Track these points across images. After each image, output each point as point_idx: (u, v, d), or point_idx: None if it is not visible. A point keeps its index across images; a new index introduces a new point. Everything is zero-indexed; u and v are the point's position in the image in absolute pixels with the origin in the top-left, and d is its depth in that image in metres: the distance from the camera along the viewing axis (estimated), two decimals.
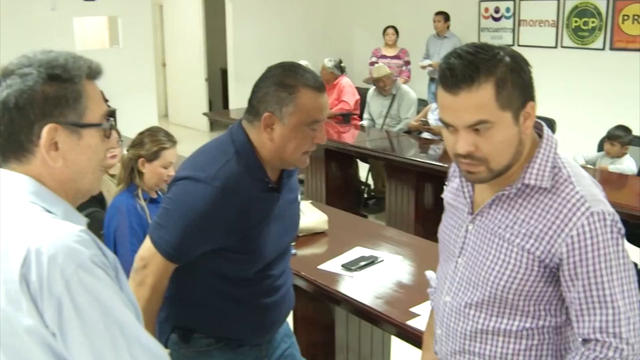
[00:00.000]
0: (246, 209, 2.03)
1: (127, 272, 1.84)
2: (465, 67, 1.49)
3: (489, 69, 1.50)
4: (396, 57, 8.47)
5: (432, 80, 8.28)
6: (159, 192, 3.21)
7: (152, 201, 3.14)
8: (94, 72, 1.40)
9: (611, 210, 1.57)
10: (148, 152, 3.09)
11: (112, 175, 3.80)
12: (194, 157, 2.14)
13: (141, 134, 3.19)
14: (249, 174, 2.04)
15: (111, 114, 1.52)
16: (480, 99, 1.49)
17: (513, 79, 1.52)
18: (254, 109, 2.07)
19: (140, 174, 3.12)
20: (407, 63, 8.52)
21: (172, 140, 3.23)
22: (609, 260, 1.55)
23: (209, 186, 1.97)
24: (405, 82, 8.14)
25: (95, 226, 3.31)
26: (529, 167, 1.60)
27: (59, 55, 1.35)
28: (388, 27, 8.63)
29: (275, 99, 2.01)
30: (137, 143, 3.15)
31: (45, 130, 1.29)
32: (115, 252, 2.86)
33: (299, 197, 2.39)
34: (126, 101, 8.89)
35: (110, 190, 3.68)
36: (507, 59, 1.53)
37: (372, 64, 8.21)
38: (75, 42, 8.72)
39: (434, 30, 8.47)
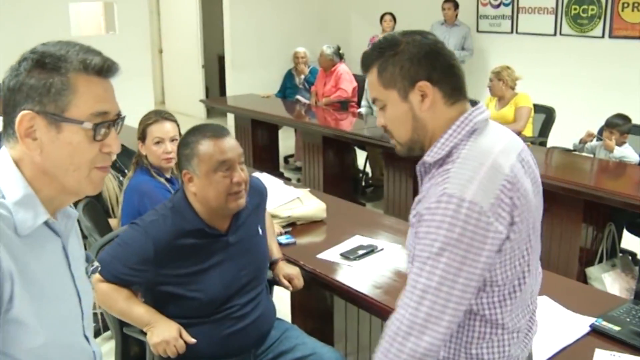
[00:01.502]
0: (171, 255, 2.31)
1: None
2: (366, 56, 1.72)
3: (377, 55, 1.68)
4: None
5: None
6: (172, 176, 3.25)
7: (168, 180, 3.20)
8: (92, 67, 1.32)
9: (474, 198, 1.47)
10: (138, 133, 3.18)
11: None
12: (150, 209, 2.51)
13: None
14: (182, 225, 2.33)
15: (116, 116, 1.38)
16: (370, 80, 1.71)
17: (395, 62, 1.64)
18: (180, 173, 2.40)
19: (145, 156, 3.20)
20: None
21: (161, 115, 3.23)
22: (432, 244, 1.49)
23: (140, 228, 2.34)
24: None
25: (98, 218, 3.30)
26: (433, 146, 1.65)
27: (65, 45, 1.34)
28: (385, 13, 8.55)
29: (184, 158, 2.34)
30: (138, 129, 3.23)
31: (19, 117, 1.27)
32: None
33: (259, 230, 2.56)
34: (122, 88, 8.61)
35: (106, 178, 3.65)
36: (403, 45, 1.65)
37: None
38: (71, 28, 8.65)
39: (433, 17, 8.35)
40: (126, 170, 3.91)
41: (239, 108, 7.48)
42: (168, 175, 3.22)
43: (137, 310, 2.34)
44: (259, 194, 2.61)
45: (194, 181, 2.32)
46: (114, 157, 1.38)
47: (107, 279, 2.35)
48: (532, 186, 1.64)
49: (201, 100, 9.02)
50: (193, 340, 2.31)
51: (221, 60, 10.93)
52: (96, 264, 1.54)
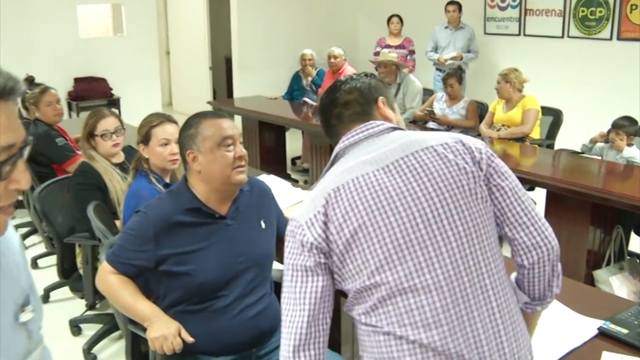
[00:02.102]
0: (170, 231, 2.39)
1: None
2: None
3: None
4: (400, 46, 8.33)
5: (438, 70, 8.10)
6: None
7: (166, 186, 3.19)
8: None
9: (298, 215, 1.74)
10: (141, 135, 3.18)
11: (115, 164, 3.79)
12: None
13: None
14: (179, 204, 2.43)
15: (22, 144, 1.12)
16: None
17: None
18: (183, 159, 2.50)
19: (146, 160, 3.19)
20: (412, 52, 8.38)
21: (165, 117, 3.26)
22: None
23: (142, 213, 2.45)
24: (410, 71, 8.09)
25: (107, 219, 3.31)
26: None
27: None
28: (392, 15, 8.50)
29: (188, 138, 2.44)
30: (137, 132, 3.23)
31: None
32: None
33: (262, 224, 2.60)
34: (130, 89, 8.87)
35: (113, 178, 3.67)
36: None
37: (376, 54, 8.04)
38: (79, 30, 8.69)
39: (439, 19, 8.33)
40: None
41: (246, 110, 7.48)
42: (167, 180, 3.23)
43: (140, 305, 2.40)
44: (261, 190, 2.69)
45: (199, 159, 2.42)
46: (20, 194, 1.17)
47: (116, 267, 2.43)
48: (410, 185, 1.68)
49: (208, 102, 9.02)
50: (191, 340, 2.33)
51: (228, 61, 10.94)
52: (30, 313, 1.31)
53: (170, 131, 3.18)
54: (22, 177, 1.11)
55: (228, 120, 2.50)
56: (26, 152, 1.12)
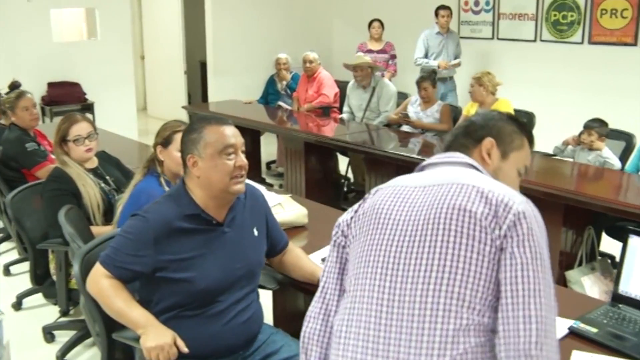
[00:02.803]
0: (170, 237, 2.38)
1: None
2: None
3: None
4: (382, 51, 8.28)
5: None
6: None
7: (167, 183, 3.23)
8: None
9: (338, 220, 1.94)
10: (162, 138, 3.22)
11: (89, 170, 3.77)
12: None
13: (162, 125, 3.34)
14: (179, 210, 2.42)
15: None
16: None
17: None
18: (182, 160, 2.49)
19: (160, 162, 3.23)
20: (393, 57, 8.34)
21: (186, 125, 3.29)
22: None
23: (140, 216, 2.42)
24: (392, 76, 8.10)
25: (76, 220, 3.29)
26: None
27: None
28: (374, 20, 8.42)
29: (190, 142, 2.43)
30: (156, 134, 3.27)
31: None
32: None
33: (255, 232, 2.62)
34: (104, 94, 8.82)
35: (86, 184, 3.65)
36: None
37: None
38: (52, 34, 8.62)
39: (419, 23, 8.32)
40: (107, 177, 3.92)
41: (222, 114, 7.44)
42: (172, 186, 3.25)
43: (135, 312, 2.36)
44: (253, 195, 2.69)
45: (199, 164, 2.41)
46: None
47: (110, 271, 2.38)
48: (407, 212, 1.72)
49: (183, 107, 8.99)
50: (186, 350, 2.32)
51: (203, 66, 10.91)
52: None
53: None
54: None
55: (232, 127, 2.47)
56: None
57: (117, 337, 2.52)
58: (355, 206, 1.89)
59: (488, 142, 1.89)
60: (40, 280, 3.84)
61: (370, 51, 8.17)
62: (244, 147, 2.48)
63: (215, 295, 2.45)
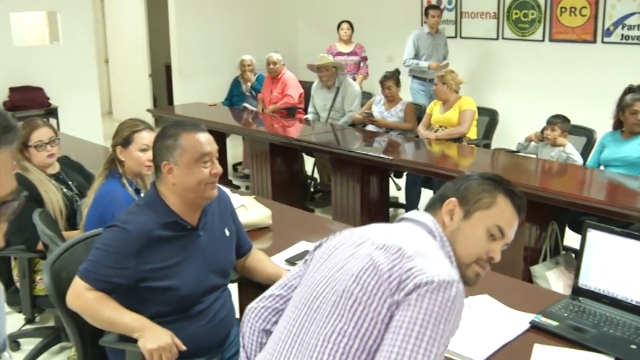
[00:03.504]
0: (151, 247, 2.37)
1: None
2: None
3: None
4: (352, 53, 8.20)
5: (417, 78, 7.84)
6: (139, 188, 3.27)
7: (136, 191, 3.22)
8: None
9: None
10: (121, 138, 3.20)
11: (51, 175, 3.73)
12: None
13: (119, 124, 3.31)
14: (157, 218, 2.41)
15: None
16: None
17: None
18: (156, 167, 2.49)
19: (121, 162, 3.20)
20: (365, 59, 8.23)
21: (145, 124, 3.31)
22: None
23: (118, 228, 2.37)
24: (365, 78, 8.09)
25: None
26: None
27: None
28: (343, 22, 8.29)
29: (165, 149, 2.42)
30: (114, 134, 3.25)
31: None
32: None
33: (227, 232, 2.65)
34: (68, 99, 8.72)
35: (48, 190, 3.61)
36: None
37: None
38: (13, 38, 8.51)
39: (388, 24, 8.31)
40: (70, 182, 3.88)
41: (187, 117, 7.44)
42: (135, 186, 3.24)
43: (127, 317, 2.35)
44: (221, 198, 2.70)
45: (174, 172, 2.41)
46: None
47: (92, 285, 2.35)
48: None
49: (148, 110, 8.95)
50: (184, 348, 2.34)
51: (168, 69, 10.86)
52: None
53: (150, 138, 3.19)
54: None
55: (207, 134, 2.48)
56: (10, 206, 0.90)
57: (104, 344, 2.48)
58: (325, 239, 1.94)
59: (449, 202, 1.88)
60: (7, 285, 3.78)
61: (340, 54, 8.09)
62: (217, 153, 2.50)
63: (197, 298, 2.48)
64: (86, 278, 2.35)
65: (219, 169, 2.47)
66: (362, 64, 8.21)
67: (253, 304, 2.04)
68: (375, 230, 1.84)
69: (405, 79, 7.58)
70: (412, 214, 1.92)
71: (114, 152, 3.22)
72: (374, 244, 1.74)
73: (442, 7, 8.44)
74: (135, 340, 2.31)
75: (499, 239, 1.87)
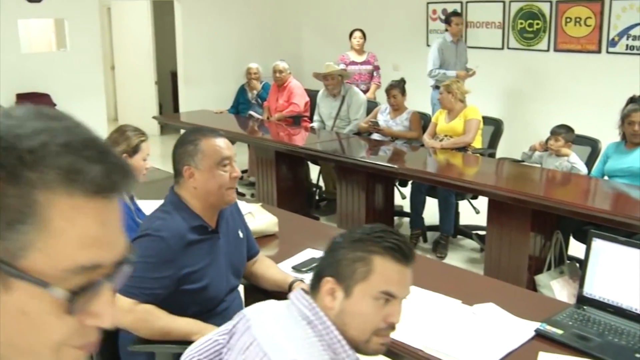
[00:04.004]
0: (186, 251, 2.44)
1: None
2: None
3: None
4: (366, 62, 7.98)
5: (437, 88, 7.12)
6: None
7: (131, 197, 3.28)
8: (84, 183, 0.69)
9: None
10: (129, 147, 3.25)
11: None
12: (144, 222, 2.60)
13: (116, 132, 3.34)
14: (185, 223, 2.46)
15: (113, 266, 0.74)
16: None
17: None
18: (176, 171, 2.54)
19: None
20: (377, 68, 8.03)
21: (145, 134, 3.40)
22: None
23: (152, 236, 2.40)
24: (378, 88, 7.94)
25: None
26: None
27: (38, 123, 0.72)
28: (355, 30, 8.07)
29: (186, 154, 2.49)
30: (116, 140, 3.27)
31: None
32: None
33: (240, 234, 2.74)
34: (75, 105, 8.74)
35: None
36: None
37: None
38: (20, 45, 8.57)
39: (389, 33, 8.30)
40: None
41: (192, 124, 7.46)
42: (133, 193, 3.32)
43: (180, 322, 2.41)
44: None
45: (195, 176, 2.49)
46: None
47: (140, 299, 2.37)
48: None
49: (154, 117, 8.98)
50: None
51: (174, 76, 10.91)
52: None
53: (149, 148, 3.38)
54: (105, 310, 0.73)
55: (225, 139, 2.57)
56: (122, 272, 0.75)
57: (161, 350, 2.48)
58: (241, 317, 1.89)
59: (326, 282, 1.73)
60: None
61: (353, 63, 7.91)
62: (235, 157, 2.59)
63: (222, 297, 2.60)
64: (131, 294, 2.34)
65: (238, 172, 2.56)
66: (375, 74, 8.03)
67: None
68: (263, 330, 1.74)
69: (423, 88, 7.60)
70: (296, 298, 1.79)
71: None
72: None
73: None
74: (167, 342, 2.38)
75: (393, 301, 1.73)
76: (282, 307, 1.82)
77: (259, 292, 2.82)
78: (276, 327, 1.72)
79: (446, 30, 7.60)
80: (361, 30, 8.01)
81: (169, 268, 2.39)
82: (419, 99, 7.30)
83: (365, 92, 7.53)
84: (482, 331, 2.33)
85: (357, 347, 1.71)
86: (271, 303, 1.89)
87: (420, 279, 2.81)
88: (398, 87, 6.46)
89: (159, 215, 2.51)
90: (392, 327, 1.74)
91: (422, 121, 6.43)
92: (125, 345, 2.48)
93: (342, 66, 7.55)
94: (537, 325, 2.37)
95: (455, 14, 7.72)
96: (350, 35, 8.07)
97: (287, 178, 6.39)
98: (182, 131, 8.31)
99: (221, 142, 2.53)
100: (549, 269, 4.52)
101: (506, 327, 2.37)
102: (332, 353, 1.67)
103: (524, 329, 2.36)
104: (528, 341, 2.30)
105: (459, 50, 7.60)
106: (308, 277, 2.86)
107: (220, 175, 2.49)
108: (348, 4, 9.58)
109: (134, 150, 3.26)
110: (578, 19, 7.19)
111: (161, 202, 2.57)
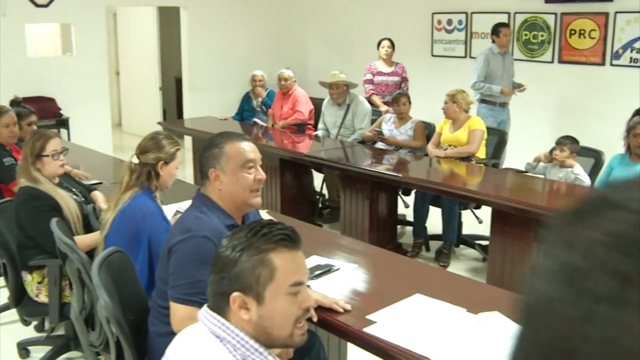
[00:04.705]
0: None
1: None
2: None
3: None
4: (394, 73, 7.68)
5: (483, 101, 7.00)
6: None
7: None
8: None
9: None
10: (167, 154, 3.24)
11: (56, 185, 3.78)
12: (177, 225, 2.57)
13: (151, 139, 3.29)
14: (222, 222, 2.50)
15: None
16: None
17: None
18: (202, 173, 2.60)
19: (157, 176, 3.23)
20: (405, 80, 7.72)
21: (179, 142, 3.40)
22: None
23: (195, 237, 2.40)
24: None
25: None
26: None
27: None
28: (383, 39, 7.76)
29: (212, 157, 2.55)
30: (153, 147, 3.24)
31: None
32: (150, 251, 3.05)
33: None
34: (79, 110, 8.80)
35: (64, 198, 3.67)
36: None
37: (367, 81, 7.60)
38: (27, 49, 8.60)
39: (394, 43, 8.27)
40: (74, 189, 3.96)
41: (197, 130, 7.49)
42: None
43: None
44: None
45: (221, 178, 2.54)
46: None
47: (198, 305, 2.30)
48: None
49: (159, 123, 8.98)
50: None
51: (178, 82, 10.94)
52: None
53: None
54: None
55: (250, 143, 2.63)
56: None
57: None
58: None
59: (234, 298, 1.73)
60: (19, 300, 3.79)
61: (380, 73, 7.64)
62: (261, 161, 2.63)
63: None
64: (192, 302, 2.31)
65: (263, 175, 2.61)
66: (403, 85, 7.70)
67: None
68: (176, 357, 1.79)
69: (427, 99, 7.53)
70: (205, 317, 1.79)
71: (153, 166, 3.21)
72: None
73: (452, 27, 8.51)
74: None
75: (301, 288, 1.80)
76: (193, 330, 1.83)
77: None
78: (187, 352, 1.77)
79: (493, 41, 7.18)
80: (390, 40, 7.74)
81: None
82: (423, 109, 7.32)
83: (391, 104, 7.16)
84: (487, 340, 2.34)
85: (285, 344, 1.79)
86: (185, 331, 1.86)
87: (425, 287, 2.84)
88: (406, 96, 6.50)
89: (197, 215, 2.52)
90: (307, 310, 1.82)
91: (427, 131, 6.46)
92: (154, 340, 2.51)
93: (368, 76, 7.47)
94: None
95: (503, 24, 7.28)
96: (379, 44, 7.81)
97: (291, 185, 6.41)
98: (187, 137, 8.36)
99: (246, 146, 2.58)
100: None
101: (510, 335, 2.37)
102: None
103: None
104: None
105: (506, 63, 7.16)
106: (314, 284, 2.89)
107: (244, 178, 2.55)
108: (354, 13, 9.60)
109: (172, 158, 3.25)
110: (582, 31, 7.20)
111: (167, 206, 2.60)
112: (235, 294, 1.73)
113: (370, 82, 7.60)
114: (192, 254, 2.37)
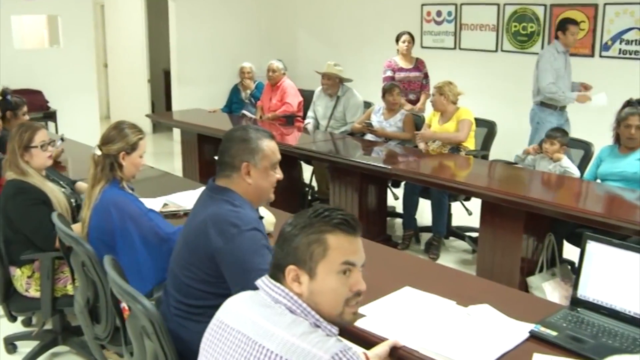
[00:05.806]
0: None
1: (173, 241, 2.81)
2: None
3: None
4: (415, 69, 7.27)
5: (542, 104, 6.44)
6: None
7: (132, 190, 3.32)
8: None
9: None
10: (128, 144, 3.22)
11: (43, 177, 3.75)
12: (213, 223, 2.46)
13: (113, 129, 3.27)
14: (254, 213, 2.56)
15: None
16: None
17: None
18: (229, 165, 2.57)
19: (120, 167, 3.21)
20: (426, 76, 7.33)
21: (143, 132, 3.37)
22: None
23: (244, 230, 2.41)
24: (427, 98, 7.02)
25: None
26: None
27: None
28: (403, 33, 7.32)
29: (247, 151, 2.56)
30: (114, 138, 3.23)
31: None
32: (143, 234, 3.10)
33: None
34: (67, 102, 8.74)
35: (53, 190, 3.63)
36: None
37: (386, 79, 7.10)
38: (13, 41, 8.53)
39: (385, 36, 8.22)
40: (62, 182, 3.93)
41: (185, 123, 7.46)
42: (129, 190, 3.30)
43: None
44: None
45: (252, 173, 2.57)
46: None
47: None
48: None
49: (147, 115, 8.96)
50: None
51: (167, 74, 10.89)
52: None
53: (146, 145, 3.38)
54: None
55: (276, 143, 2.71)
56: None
57: None
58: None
59: (289, 270, 1.84)
60: (6, 295, 3.75)
61: (401, 69, 7.23)
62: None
63: None
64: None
65: (282, 175, 2.70)
66: (424, 82, 7.30)
67: None
68: (246, 319, 1.82)
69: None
70: (268, 287, 1.86)
71: (114, 157, 3.21)
72: (248, 344, 1.75)
73: (441, 18, 8.50)
74: None
75: (354, 270, 1.86)
76: (252, 297, 1.90)
77: None
78: (260, 318, 1.80)
79: (556, 37, 6.47)
80: (409, 34, 7.32)
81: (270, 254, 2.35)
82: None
83: (414, 102, 7.15)
84: (477, 332, 2.34)
85: (333, 322, 1.82)
86: (240, 296, 1.94)
87: (414, 279, 2.82)
88: (398, 88, 6.49)
89: (232, 209, 2.49)
90: (358, 294, 1.87)
91: (416, 123, 6.44)
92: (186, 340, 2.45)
93: (388, 73, 7.15)
94: (531, 326, 2.37)
95: (573, 21, 6.52)
96: (397, 39, 7.35)
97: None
98: (175, 130, 8.32)
99: (276, 146, 2.66)
100: (540, 271, 4.53)
101: (501, 328, 2.37)
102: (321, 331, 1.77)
103: (519, 330, 2.36)
104: (522, 342, 2.30)
105: (567, 62, 6.51)
106: None
107: (272, 176, 2.63)
108: (343, 5, 9.57)
109: (133, 148, 3.23)
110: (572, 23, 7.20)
111: (155, 199, 2.56)
112: (290, 266, 1.83)
113: (392, 79, 7.09)
114: (252, 243, 2.42)
